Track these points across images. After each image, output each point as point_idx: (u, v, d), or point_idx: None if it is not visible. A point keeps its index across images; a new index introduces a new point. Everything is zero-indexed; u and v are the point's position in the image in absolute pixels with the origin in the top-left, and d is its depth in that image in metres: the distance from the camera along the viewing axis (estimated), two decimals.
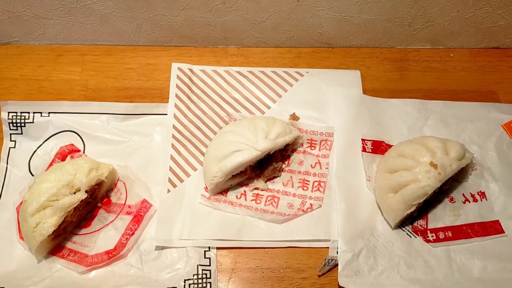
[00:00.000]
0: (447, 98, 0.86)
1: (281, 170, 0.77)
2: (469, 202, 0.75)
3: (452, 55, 0.92)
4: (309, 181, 0.76)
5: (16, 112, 0.78)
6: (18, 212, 0.70)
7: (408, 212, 0.69)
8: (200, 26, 0.87)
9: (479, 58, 0.92)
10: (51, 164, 0.75)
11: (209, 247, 0.70)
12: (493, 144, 0.80)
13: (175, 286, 0.67)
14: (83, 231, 0.71)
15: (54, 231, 0.64)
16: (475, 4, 0.84)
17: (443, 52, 0.93)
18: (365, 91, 0.86)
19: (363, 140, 0.78)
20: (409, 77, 0.89)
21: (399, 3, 0.83)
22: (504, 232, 0.72)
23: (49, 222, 0.64)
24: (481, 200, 0.75)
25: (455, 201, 0.75)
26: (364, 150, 0.77)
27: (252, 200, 0.74)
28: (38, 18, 0.85)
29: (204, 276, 0.68)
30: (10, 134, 0.78)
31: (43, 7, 0.83)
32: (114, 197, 0.74)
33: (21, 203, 0.70)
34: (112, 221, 0.72)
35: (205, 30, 0.88)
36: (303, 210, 0.73)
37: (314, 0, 0.82)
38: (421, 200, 0.68)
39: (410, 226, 0.72)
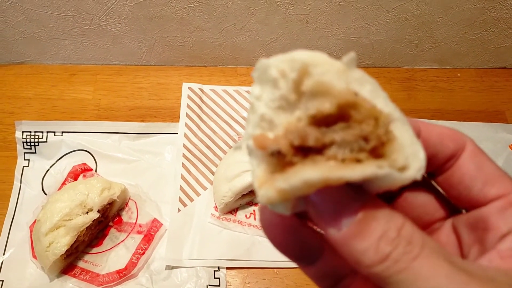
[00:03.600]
0: (454, 118, 0.87)
1: None
2: None
3: (459, 75, 0.93)
4: None
5: (30, 132, 0.79)
6: (31, 231, 0.71)
7: None
8: (210, 47, 0.89)
9: (486, 78, 0.93)
10: (63, 183, 0.77)
11: (218, 267, 0.71)
12: (501, 164, 0.81)
13: None
14: (95, 250, 0.72)
15: (66, 250, 0.65)
16: (482, 26, 0.85)
17: (450, 72, 0.94)
18: None
19: None
20: (416, 97, 0.90)
21: (407, 25, 0.84)
22: None
23: (62, 241, 0.65)
24: None
25: None
26: None
27: None
28: (52, 38, 0.87)
29: None
30: (24, 153, 0.79)
31: (57, 28, 0.85)
32: (125, 216, 0.75)
33: (34, 222, 0.71)
34: (123, 240, 0.73)
35: (216, 50, 0.90)
36: None
37: (323, 22, 0.83)
38: None
39: None
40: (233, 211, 0.76)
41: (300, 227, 0.26)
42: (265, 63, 0.23)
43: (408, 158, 0.22)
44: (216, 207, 0.75)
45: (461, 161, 0.26)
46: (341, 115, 0.21)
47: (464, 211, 0.27)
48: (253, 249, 0.72)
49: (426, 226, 0.28)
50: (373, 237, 0.21)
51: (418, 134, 0.25)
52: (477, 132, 0.84)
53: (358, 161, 0.21)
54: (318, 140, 0.21)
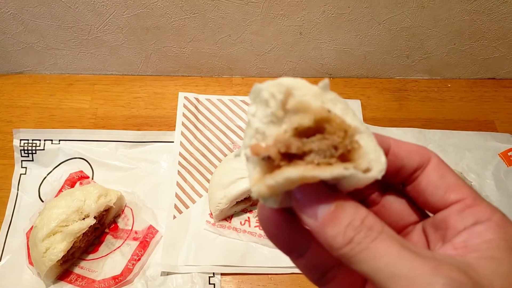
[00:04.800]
0: (445, 127, 0.88)
1: None
2: None
3: (449, 85, 0.95)
4: None
5: (28, 140, 0.80)
6: (28, 238, 0.72)
7: None
8: (206, 57, 0.91)
9: (476, 88, 0.95)
10: (60, 191, 0.77)
11: (213, 273, 0.71)
12: (491, 172, 0.82)
13: None
14: (91, 256, 0.73)
15: (63, 256, 0.66)
16: (471, 37, 0.87)
17: (440, 83, 0.96)
18: (365, 120, 0.88)
19: None
20: (408, 107, 0.92)
21: (398, 36, 0.86)
22: None
23: (59, 247, 0.66)
24: None
25: None
26: None
27: (256, 227, 0.76)
28: (50, 49, 0.88)
29: None
30: (21, 161, 0.80)
31: (55, 38, 0.86)
32: (121, 223, 0.76)
33: (31, 228, 0.72)
34: (119, 246, 0.73)
35: (211, 61, 0.91)
36: None
37: (316, 33, 0.85)
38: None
39: None
40: (228, 218, 0.77)
41: (291, 222, 0.31)
42: (258, 87, 0.29)
43: (371, 162, 0.27)
44: (211, 214, 0.76)
45: (426, 172, 0.31)
46: (318, 128, 0.28)
47: (431, 215, 0.31)
48: (247, 255, 0.73)
49: (401, 229, 0.33)
50: (342, 224, 0.26)
51: (388, 149, 0.31)
52: (468, 141, 0.86)
53: (330, 164, 0.27)
54: (299, 148, 0.27)
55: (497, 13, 0.82)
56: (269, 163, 0.27)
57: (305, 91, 0.28)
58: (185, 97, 0.88)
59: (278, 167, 0.27)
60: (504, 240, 0.26)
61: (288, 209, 0.30)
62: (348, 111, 0.28)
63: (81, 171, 0.80)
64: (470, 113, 0.92)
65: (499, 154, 0.84)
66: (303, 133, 0.28)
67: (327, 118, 0.27)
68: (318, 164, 0.26)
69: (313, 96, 0.28)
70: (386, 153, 0.30)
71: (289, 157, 0.27)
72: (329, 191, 0.27)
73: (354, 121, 0.28)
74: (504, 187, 0.81)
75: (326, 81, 0.28)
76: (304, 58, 0.91)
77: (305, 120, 0.27)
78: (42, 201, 0.77)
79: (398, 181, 0.32)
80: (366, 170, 0.27)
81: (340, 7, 0.80)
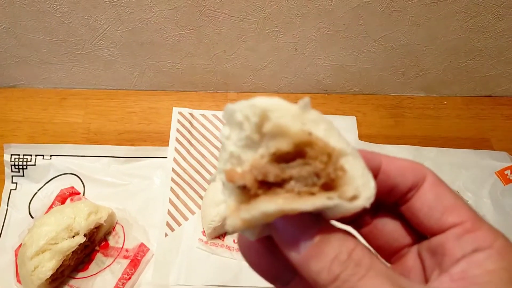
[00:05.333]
0: (441, 144, 0.88)
1: None
2: None
3: (445, 102, 0.95)
4: None
5: (19, 155, 0.79)
6: (16, 255, 0.71)
7: None
8: (201, 73, 0.90)
9: (472, 106, 0.95)
10: (51, 207, 0.76)
11: None
12: (487, 191, 0.81)
13: None
14: (80, 274, 0.71)
15: (52, 274, 0.64)
16: (467, 55, 0.87)
17: (437, 100, 0.95)
18: (361, 137, 0.88)
19: None
20: (404, 124, 0.92)
21: (393, 54, 0.86)
22: None
23: (48, 265, 0.65)
24: None
25: None
26: None
27: None
28: (44, 63, 0.88)
29: None
30: (12, 176, 0.79)
31: (49, 53, 0.86)
32: (112, 241, 0.74)
33: (20, 246, 0.70)
34: (110, 265, 0.72)
35: (206, 76, 0.91)
36: None
37: (312, 50, 0.85)
38: None
39: None
40: (221, 236, 0.75)
41: (274, 250, 0.28)
42: (231, 108, 0.26)
43: (359, 188, 0.25)
44: (204, 231, 0.75)
45: (421, 191, 0.28)
46: (298, 152, 0.25)
47: (429, 237, 0.29)
48: (241, 275, 0.72)
49: (395, 252, 0.31)
50: (327, 259, 0.23)
51: (379, 167, 0.29)
52: (464, 159, 0.85)
53: (312, 194, 0.24)
54: (278, 176, 0.25)
55: (493, 31, 0.82)
56: (246, 192, 0.25)
57: (282, 112, 0.26)
58: (179, 112, 0.88)
59: (255, 195, 0.25)
60: (507, 271, 0.24)
61: (270, 236, 0.27)
62: (332, 131, 0.26)
63: (72, 187, 0.78)
64: (467, 131, 0.91)
65: (495, 173, 0.83)
66: (282, 157, 0.26)
67: (308, 141, 0.25)
68: (299, 193, 0.24)
69: (292, 118, 0.26)
70: (377, 171, 0.29)
71: (268, 185, 0.25)
72: (313, 220, 0.25)
73: (339, 143, 0.26)
74: (501, 206, 0.80)
75: (306, 99, 0.26)
76: (300, 74, 0.91)
77: (284, 145, 0.25)
78: (32, 218, 0.76)
79: (391, 201, 0.30)
80: (353, 198, 0.25)
81: (335, 25, 0.80)
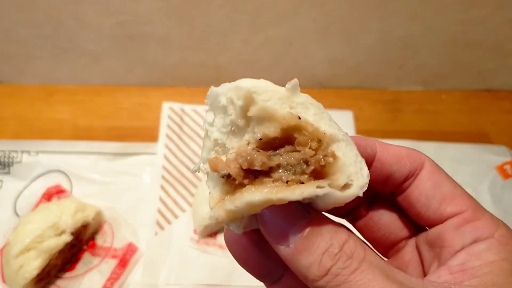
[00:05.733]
0: (440, 139, 0.86)
1: None
2: None
3: (443, 97, 0.93)
4: None
5: (5, 151, 0.77)
6: (1, 254, 0.68)
7: None
8: (192, 67, 0.88)
9: (471, 100, 0.93)
10: (37, 205, 0.74)
11: None
12: (487, 186, 0.80)
13: None
14: (67, 274, 0.69)
15: (37, 274, 0.62)
16: (465, 48, 0.85)
17: (435, 94, 0.93)
18: (358, 132, 0.85)
19: None
20: (402, 119, 0.89)
21: (390, 46, 0.84)
22: None
23: (33, 265, 0.62)
24: None
25: None
26: None
27: None
28: (30, 58, 0.85)
29: None
30: None
31: (36, 47, 0.83)
32: (100, 240, 0.72)
33: (5, 245, 0.68)
34: (97, 264, 0.69)
35: (198, 70, 0.89)
36: None
37: (307, 43, 0.83)
38: None
39: None
40: (213, 234, 0.73)
41: (262, 245, 0.27)
42: (215, 91, 0.26)
43: (351, 176, 0.23)
44: (195, 230, 0.72)
45: (418, 180, 0.27)
46: (286, 138, 0.24)
47: (427, 228, 0.28)
48: (234, 274, 0.69)
49: (391, 245, 0.30)
50: (317, 252, 0.22)
51: (374, 155, 0.27)
52: (463, 154, 0.83)
53: (301, 182, 0.23)
54: (264, 164, 0.23)
55: (491, 23, 0.80)
56: (230, 182, 0.24)
57: (269, 95, 0.24)
58: (170, 108, 0.85)
59: (241, 185, 0.23)
60: (509, 261, 0.23)
61: (258, 230, 0.26)
62: (323, 115, 0.25)
63: (59, 185, 0.76)
64: (465, 125, 0.89)
65: (494, 168, 0.81)
66: (270, 143, 0.24)
67: (297, 126, 0.24)
68: (287, 182, 0.23)
69: (280, 100, 0.24)
70: (372, 159, 0.27)
71: (254, 173, 0.24)
72: (302, 211, 0.23)
73: (330, 128, 0.24)
74: (501, 202, 0.78)
75: (294, 81, 0.25)
76: (295, 68, 0.89)
77: (271, 130, 0.24)
78: (18, 216, 0.74)
79: (387, 190, 0.29)
80: (345, 186, 0.23)
81: (331, 16, 0.78)
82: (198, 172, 0.27)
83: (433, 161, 0.28)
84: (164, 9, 0.76)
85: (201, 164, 0.26)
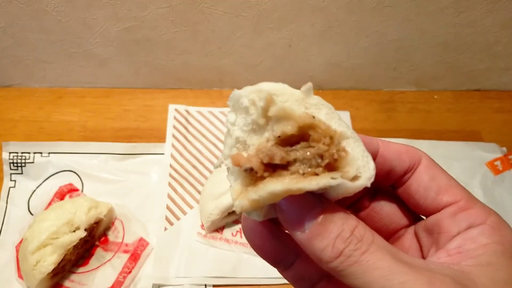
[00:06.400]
0: (433, 137, 0.90)
1: None
2: None
3: (436, 97, 0.97)
4: None
5: (17, 153, 0.80)
6: (17, 251, 0.71)
7: None
8: (196, 70, 0.91)
9: (462, 99, 0.97)
10: (50, 204, 0.77)
11: (205, 285, 0.71)
12: (478, 181, 0.83)
13: None
14: (81, 269, 0.72)
15: (53, 269, 0.65)
16: (457, 50, 0.89)
17: (427, 94, 0.97)
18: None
19: None
20: (396, 118, 0.93)
21: (385, 49, 0.88)
22: None
23: (49, 260, 0.65)
24: None
25: None
26: None
27: None
28: (40, 62, 0.88)
29: None
30: (11, 174, 0.79)
31: (45, 52, 0.86)
32: (111, 236, 0.75)
33: (20, 241, 0.71)
34: (110, 259, 0.73)
35: (201, 73, 0.92)
36: None
37: (305, 46, 0.87)
38: None
39: None
40: (219, 229, 0.76)
41: (277, 233, 0.30)
42: (238, 93, 0.27)
43: (360, 169, 0.26)
44: (203, 225, 0.76)
45: (417, 173, 0.30)
46: (302, 135, 0.26)
47: (424, 217, 0.30)
48: (239, 266, 0.73)
49: (392, 233, 0.32)
50: (330, 236, 0.25)
51: (377, 151, 0.30)
52: (455, 151, 0.87)
53: (316, 174, 0.25)
54: (283, 159, 0.26)
55: (481, 26, 0.84)
56: (252, 175, 0.26)
57: (287, 96, 0.27)
58: (175, 109, 0.89)
59: (261, 178, 0.26)
60: (500, 244, 0.25)
61: (273, 219, 0.28)
62: (333, 115, 0.27)
63: (71, 184, 0.79)
64: (457, 124, 0.93)
65: (485, 164, 0.85)
66: (286, 141, 0.27)
67: (312, 124, 0.26)
68: (304, 174, 0.25)
69: (296, 102, 0.27)
70: (375, 155, 0.30)
71: (273, 167, 0.26)
72: (316, 200, 0.26)
73: (340, 126, 0.27)
74: (492, 196, 0.82)
75: (309, 84, 0.27)
76: (294, 70, 0.92)
77: (289, 128, 0.26)
78: (32, 214, 0.76)
79: (388, 183, 0.31)
80: (354, 178, 0.26)
81: (329, 20, 0.82)
82: (220, 167, 0.30)
83: (429, 156, 0.30)
84: (169, 15, 0.80)
85: (223, 160, 0.28)
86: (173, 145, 0.84)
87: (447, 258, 0.26)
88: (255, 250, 0.31)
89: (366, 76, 0.94)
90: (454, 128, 0.92)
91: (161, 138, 0.86)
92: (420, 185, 0.29)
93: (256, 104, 0.27)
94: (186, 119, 0.88)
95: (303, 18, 0.81)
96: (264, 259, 0.31)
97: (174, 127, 0.86)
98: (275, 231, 0.30)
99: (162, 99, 0.93)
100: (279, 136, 0.27)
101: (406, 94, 0.97)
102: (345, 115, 0.92)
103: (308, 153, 0.26)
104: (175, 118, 0.87)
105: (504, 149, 0.88)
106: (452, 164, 0.85)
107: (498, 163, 0.85)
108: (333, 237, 0.24)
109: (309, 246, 0.25)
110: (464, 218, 0.27)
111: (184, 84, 0.94)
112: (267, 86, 0.27)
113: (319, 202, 0.26)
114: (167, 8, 0.79)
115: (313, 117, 0.26)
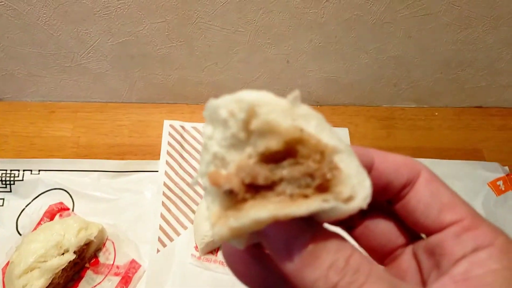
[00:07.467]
0: (433, 155, 0.88)
1: None
2: None
3: (436, 113, 0.95)
4: None
5: (6, 170, 0.78)
6: (3, 273, 0.68)
7: None
8: (192, 85, 0.89)
9: (463, 117, 0.95)
10: (39, 223, 0.74)
11: None
12: (481, 202, 0.81)
13: None
14: None
15: None
16: (458, 66, 0.87)
17: (428, 111, 0.95)
18: None
19: None
20: (396, 135, 0.91)
21: (385, 65, 0.86)
22: None
23: (36, 284, 0.63)
24: None
25: None
26: None
27: None
28: (31, 76, 0.86)
29: None
30: None
31: (37, 65, 0.84)
32: (102, 257, 0.73)
33: (7, 264, 0.68)
34: (100, 282, 0.70)
35: (197, 88, 0.90)
36: None
37: (303, 62, 0.85)
38: None
39: None
40: (214, 251, 0.74)
41: (261, 258, 0.27)
42: (214, 103, 0.24)
43: (354, 188, 0.23)
44: (197, 247, 0.73)
45: (416, 188, 0.27)
46: (289, 151, 0.23)
47: (424, 236, 0.27)
48: None
49: (388, 253, 0.29)
50: (323, 267, 0.22)
51: (372, 164, 0.27)
52: (456, 170, 0.85)
53: (306, 196, 0.22)
54: (267, 179, 0.22)
55: (482, 43, 0.82)
56: (232, 196, 0.23)
57: (271, 107, 0.23)
58: (171, 125, 0.87)
59: (243, 200, 0.23)
60: (511, 270, 0.23)
61: (257, 243, 0.25)
62: (324, 127, 0.24)
63: (61, 203, 0.77)
64: (458, 142, 0.91)
65: (488, 184, 0.83)
66: (271, 157, 0.23)
67: (300, 138, 0.23)
68: (291, 196, 0.22)
69: (282, 113, 0.23)
70: (370, 169, 0.27)
71: (256, 188, 0.23)
72: (305, 225, 0.23)
73: (332, 139, 0.24)
74: (494, 217, 0.80)
75: (296, 93, 0.24)
76: (292, 86, 0.90)
77: (274, 143, 0.23)
78: (20, 235, 0.74)
79: (384, 198, 0.28)
80: (349, 199, 0.23)
81: (327, 36, 0.80)
82: (196, 185, 0.26)
83: (429, 169, 0.27)
84: (164, 30, 0.78)
85: (199, 179, 0.25)
86: (167, 163, 0.82)
87: (453, 286, 0.23)
88: (237, 277, 0.28)
89: (366, 92, 0.92)
90: (455, 146, 0.90)
91: (155, 155, 0.84)
92: (420, 201, 0.26)
93: (235, 115, 0.23)
94: (182, 136, 0.86)
95: (301, 34, 0.79)
96: (248, 286, 0.28)
97: (169, 143, 0.84)
98: (259, 256, 0.27)
99: (157, 114, 0.91)
100: (262, 153, 0.23)
101: (406, 110, 0.96)
102: (344, 132, 0.90)
103: (296, 172, 0.23)
104: (169, 134, 0.85)
105: (507, 168, 0.86)
106: (454, 184, 0.82)
107: (500, 183, 0.83)
108: (325, 268, 0.22)
109: (299, 278, 0.22)
110: (470, 239, 0.24)
111: (180, 99, 0.92)
112: (248, 96, 0.23)
113: (309, 227, 0.23)
114: (163, 23, 0.77)
115: (301, 130, 0.23)
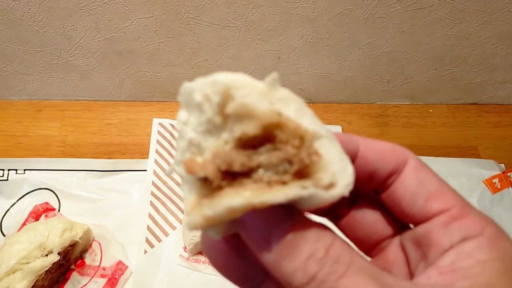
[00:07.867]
0: (428, 153, 0.86)
1: None
2: None
3: (431, 111, 0.94)
4: None
5: None
6: None
7: None
8: (182, 82, 0.86)
9: (458, 114, 0.93)
10: (24, 224, 0.72)
11: None
12: (476, 200, 0.80)
13: None
14: None
15: None
16: (452, 62, 0.86)
17: (422, 108, 0.94)
18: None
19: None
20: (389, 133, 0.90)
21: (378, 61, 0.85)
22: None
23: (19, 286, 0.61)
24: None
25: None
26: None
27: None
28: (18, 74, 0.85)
29: None
30: None
31: (23, 63, 0.83)
32: (88, 259, 0.71)
33: None
34: (86, 284, 0.68)
35: None
36: None
37: (295, 58, 0.83)
38: None
39: None
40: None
41: (241, 249, 0.26)
42: (189, 87, 0.23)
43: (336, 175, 0.22)
44: (185, 247, 0.71)
45: (402, 176, 0.25)
46: (267, 136, 0.22)
47: (412, 226, 0.26)
48: None
49: (375, 244, 0.28)
50: (301, 257, 0.20)
51: (357, 151, 0.26)
52: (452, 168, 0.84)
53: (284, 183, 0.21)
54: (244, 165, 0.21)
55: (477, 38, 0.81)
56: (208, 184, 0.22)
57: (248, 90, 0.22)
58: (160, 123, 0.85)
59: (219, 188, 0.22)
60: (500, 260, 0.22)
61: (237, 234, 0.24)
62: (304, 111, 0.23)
63: (47, 203, 0.75)
64: (453, 139, 0.90)
65: (483, 181, 0.82)
66: (248, 142, 0.22)
67: (278, 123, 0.22)
68: (269, 183, 0.21)
69: (259, 96, 0.22)
70: (354, 156, 0.26)
71: (233, 175, 0.22)
72: (285, 214, 0.22)
73: (312, 124, 0.23)
74: (490, 216, 0.78)
75: (274, 75, 0.23)
76: (283, 83, 0.88)
77: (251, 128, 0.22)
78: (4, 236, 0.72)
79: (370, 188, 0.27)
80: (330, 186, 0.22)
81: (319, 32, 0.78)
82: (172, 174, 0.25)
83: (417, 156, 0.26)
84: (152, 25, 0.76)
85: (175, 167, 0.24)
86: (156, 162, 0.80)
87: (439, 278, 0.22)
88: (217, 270, 0.26)
89: (359, 89, 0.91)
90: (450, 143, 0.89)
91: (144, 154, 0.82)
92: (407, 190, 0.25)
93: (210, 99, 0.22)
94: (171, 134, 0.84)
95: (292, 29, 0.78)
96: (229, 279, 0.26)
97: (158, 142, 0.82)
98: (239, 247, 0.26)
99: (147, 112, 0.89)
100: (239, 138, 0.22)
101: (400, 107, 0.94)
102: (337, 130, 0.88)
103: (274, 158, 0.22)
104: (159, 132, 0.84)
105: (502, 166, 0.84)
106: (449, 182, 0.79)
107: (496, 180, 0.82)
108: (304, 258, 0.20)
109: (277, 268, 0.21)
110: (458, 228, 0.23)
111: (169, 97, 0.91)
112: (223, 78, 0.22)
113: (288, 216, 0.22)
114: (150, 19, 0.75)
115: (280, 114, 0.22)
